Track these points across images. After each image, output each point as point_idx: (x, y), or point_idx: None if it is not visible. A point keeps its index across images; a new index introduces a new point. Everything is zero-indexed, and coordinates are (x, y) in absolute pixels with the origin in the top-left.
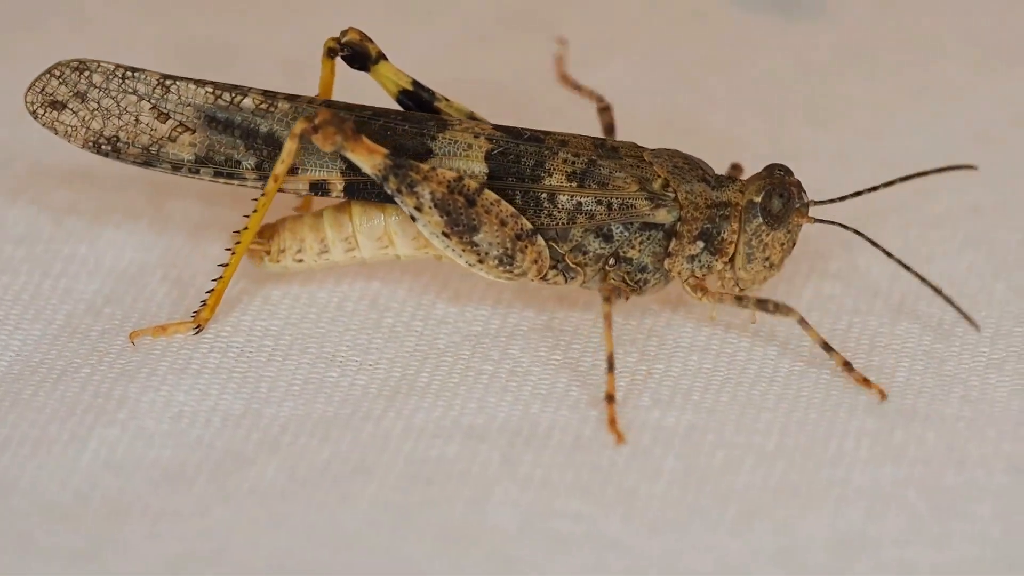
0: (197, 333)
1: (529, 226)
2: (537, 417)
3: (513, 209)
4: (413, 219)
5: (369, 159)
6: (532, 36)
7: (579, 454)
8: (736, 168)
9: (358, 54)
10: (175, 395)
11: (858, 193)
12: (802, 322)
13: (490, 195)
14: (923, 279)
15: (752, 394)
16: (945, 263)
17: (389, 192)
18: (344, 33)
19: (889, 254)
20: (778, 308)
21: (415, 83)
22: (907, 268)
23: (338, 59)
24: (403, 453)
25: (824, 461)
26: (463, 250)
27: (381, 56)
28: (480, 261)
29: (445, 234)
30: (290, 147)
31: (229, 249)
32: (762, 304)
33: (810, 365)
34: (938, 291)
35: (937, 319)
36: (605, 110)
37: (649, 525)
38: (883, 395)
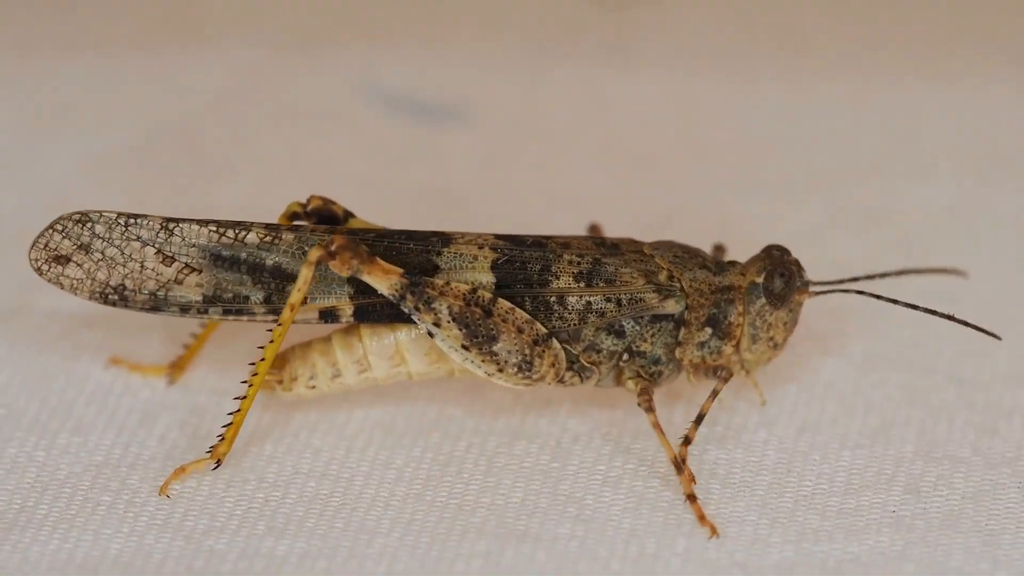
0: (216, 468)
1: (544, 331)
2: (151, 548)
3: (527, 315)
4: (431, 335)
5: (386, 280)
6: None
7: None
8: (719, 249)
9: (325, 219)
10: None
11: (855, 279)
12: (714, 393)
13: (504, 303)
14: (936, 312)
15: (367, 520)
16: None
17: (406, 311)
18: (308, 202)
19: (895, 301)
20: (716, 373)
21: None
22: (915, 307)
23: None
24: None
25: None
26: (482, 361)
27: (349, 215)
28: (500, 370)
29: (464, 347)
30: (306, 275)
31: (245, 381)
32: (715, 371)
33: (425, 488)
34: (952, 318)
35: (556, 438)
36: None
37: None
38: (714, 532)
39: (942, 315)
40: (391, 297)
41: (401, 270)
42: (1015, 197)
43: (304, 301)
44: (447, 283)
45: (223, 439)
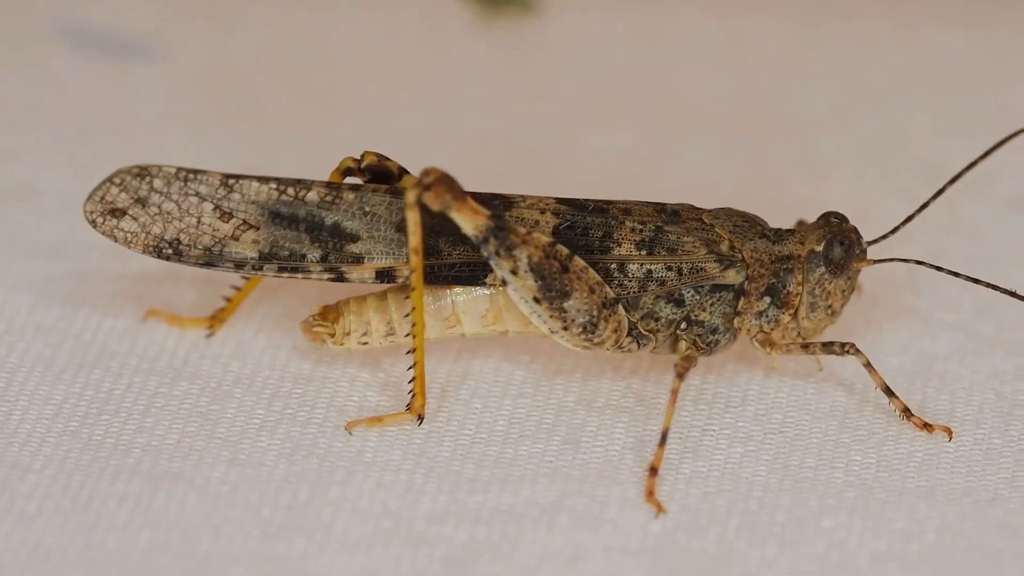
0: (420, 423)
1: (612, 295)
2: None
3: (599, 278)
4: (505, 282)
5: (473, 220)
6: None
7: None
8: (801, 223)
9: (378, 174)
10: None
11: (909, 218)
12: (867, 365)
13: (579, 261)
14: (996, 287)
15: (21, 455)
16: None
17: (486, 255)
18: (362, 158)
19: (956, 273)
20: (844, 349)
21: None
22: (977, 281)
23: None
24: None
25: (84, 524)
26: (550, 315)
27: (403, 171)
28: (565, 328)
29: (536, 299)
30: (414, 217)
31: (408, 334)
32: (828, 347)
33: (82, 425)
34: (1015, 295)
35: (217, 380)
36: None
37: None
38: (950, 433)
39: (1004, 291)
40: (474, 238)
41: (488, 212)
42: None
43: (360, 260)
44: (529, 232)
45: (414, 394)
